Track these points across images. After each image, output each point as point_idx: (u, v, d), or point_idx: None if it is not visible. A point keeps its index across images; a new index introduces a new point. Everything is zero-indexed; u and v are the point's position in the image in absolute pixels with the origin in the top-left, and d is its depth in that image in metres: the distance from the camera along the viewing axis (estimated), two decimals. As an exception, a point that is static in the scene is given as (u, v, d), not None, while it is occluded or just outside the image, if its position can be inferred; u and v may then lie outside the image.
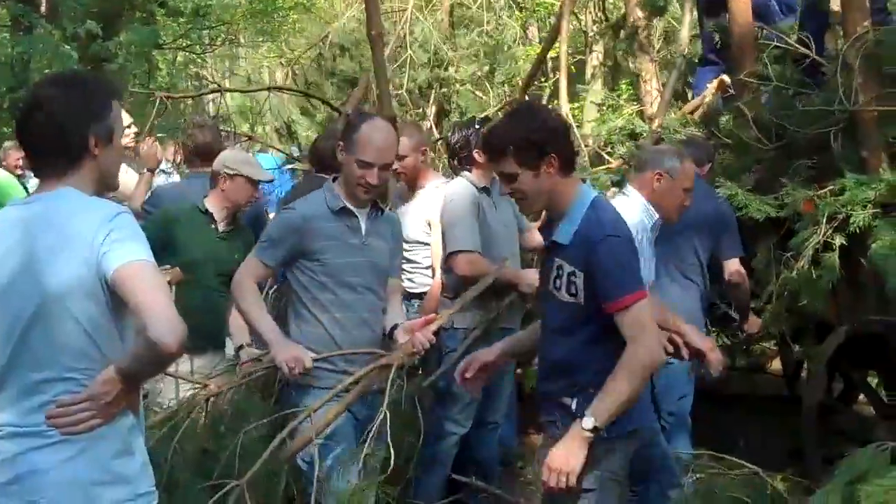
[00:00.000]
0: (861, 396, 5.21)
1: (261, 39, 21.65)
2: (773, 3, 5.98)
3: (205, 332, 4.05)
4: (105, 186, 2.39)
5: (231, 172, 4.29)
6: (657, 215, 3.95)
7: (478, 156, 4.33)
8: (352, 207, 3.63)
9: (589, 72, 9.02)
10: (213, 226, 4.34)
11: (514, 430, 5.29)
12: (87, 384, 2.18)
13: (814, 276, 4.34)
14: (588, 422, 2.79)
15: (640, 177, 3.99)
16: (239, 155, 4.63)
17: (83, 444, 2.20)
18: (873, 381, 5.14)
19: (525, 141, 2.93)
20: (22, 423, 2.22)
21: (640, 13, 6.78)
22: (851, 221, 4.25)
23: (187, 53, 19.85)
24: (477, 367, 3.33)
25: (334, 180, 3.71)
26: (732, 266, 4.57)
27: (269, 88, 8.18)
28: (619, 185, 4.58)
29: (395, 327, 3.71)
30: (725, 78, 5.97)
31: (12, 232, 2.25)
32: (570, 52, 7.50)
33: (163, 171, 6.69)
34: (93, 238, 2.16)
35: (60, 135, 2.25)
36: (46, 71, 12.03)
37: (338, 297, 3.60)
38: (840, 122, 4.47)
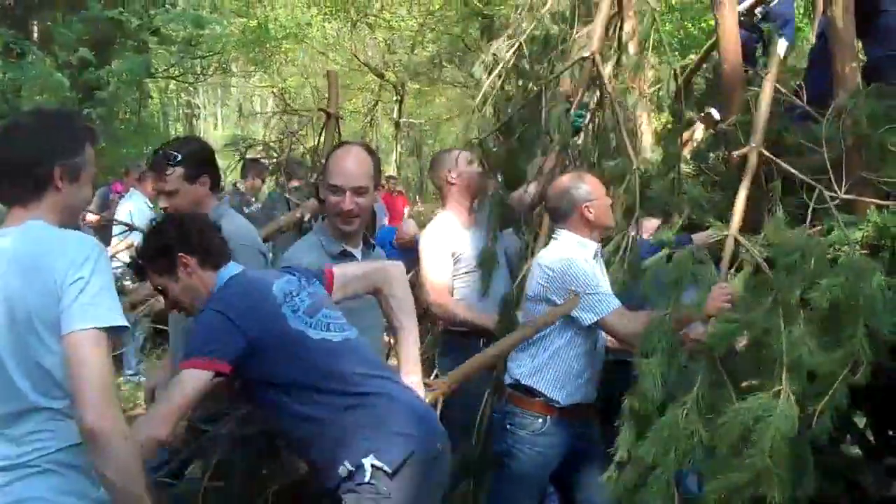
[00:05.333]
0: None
1: (252, 69, 21.75)
2: (752, 35, 6.06)
3: None
4: (69, 221, 2.40)
5: None
6: (595, 243, 3.88)
7: None
8: (350, 249, 3.34)
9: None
10: None
11: None
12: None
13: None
14: None
15: (567, 220, 3.86)
16: None
17: (67, 474, 2.23)
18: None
19: (152, 254, 2.90)
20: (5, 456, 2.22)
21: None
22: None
23: (179, 82, 19.93)
24: None
25: (323, 220, 3.49)
26: None
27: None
28: None
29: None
30: (715, 112, 6.00)
31: None
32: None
33: None
34: (62, 280, 2.17)
35: (26, 166, 2.29)
36: (38, 98, 12.08)
37: None
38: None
